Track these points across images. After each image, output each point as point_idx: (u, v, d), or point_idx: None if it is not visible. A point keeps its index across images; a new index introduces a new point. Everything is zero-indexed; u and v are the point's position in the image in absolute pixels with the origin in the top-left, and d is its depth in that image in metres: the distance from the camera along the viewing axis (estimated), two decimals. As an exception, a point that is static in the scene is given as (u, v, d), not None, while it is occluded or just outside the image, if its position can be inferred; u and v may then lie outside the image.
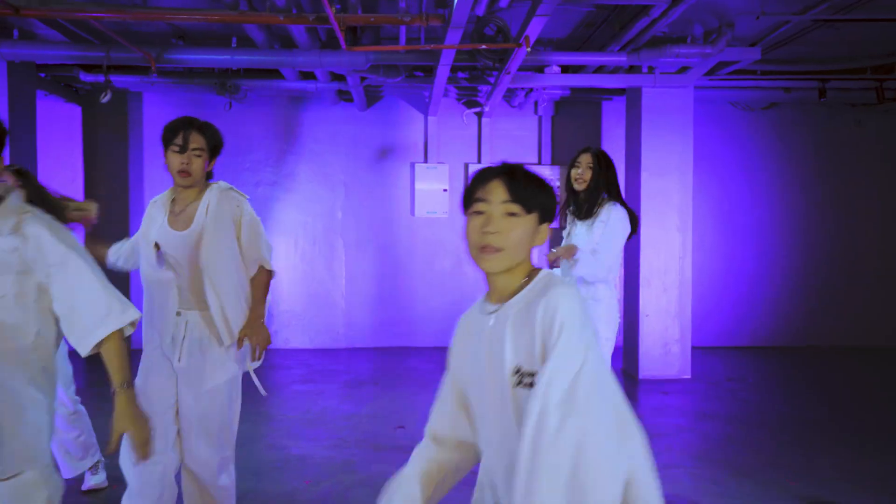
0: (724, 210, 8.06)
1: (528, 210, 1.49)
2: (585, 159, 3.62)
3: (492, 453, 1.51)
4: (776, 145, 8.02)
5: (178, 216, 2.71)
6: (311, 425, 4.71)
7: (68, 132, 7.48)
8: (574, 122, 7.94)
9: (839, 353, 7.58)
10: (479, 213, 1.49)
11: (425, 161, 7.78)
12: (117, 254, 3.00)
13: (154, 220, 2.75)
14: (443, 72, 5.66)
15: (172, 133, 2.67)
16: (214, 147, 2.74)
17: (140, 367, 2.71)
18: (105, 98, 5.85)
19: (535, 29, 4.44)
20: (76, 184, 7.55)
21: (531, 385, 1.36)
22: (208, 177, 2.79)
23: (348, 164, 7.78)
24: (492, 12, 4.78)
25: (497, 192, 1.48)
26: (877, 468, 3.99)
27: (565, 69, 6.59)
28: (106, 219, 7.84)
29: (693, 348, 7.64)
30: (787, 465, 4.06)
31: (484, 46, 4.90)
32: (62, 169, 7.46)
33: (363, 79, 6.65)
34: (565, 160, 7.90)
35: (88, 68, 6.55)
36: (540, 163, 7.89)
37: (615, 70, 6.49)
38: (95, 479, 3.61)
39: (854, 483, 3.76)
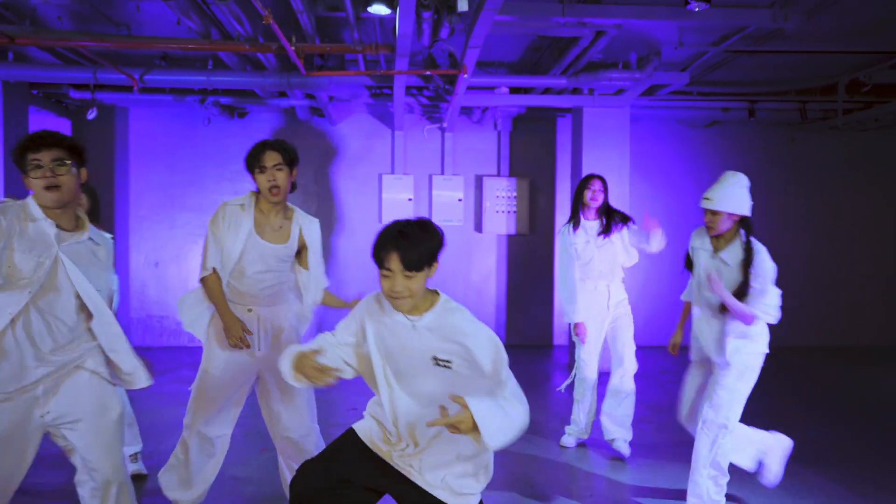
0: (677, 220, 8.66)
1: (420, 270, 2.11)
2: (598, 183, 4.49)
3: (413, 401, 2.22)
4: (720, 159, 8.65)
5: (269, 229, 3.09)
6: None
7: (59, 143, 8.03)
8: (531, 136, 8.56)
9: (778, 351, 8.16)
10: (386, 276, 2.12)
11: (392, 172, 8.37)
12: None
13: (240, 227, 3.03)
14: (399, 93, 6.26)
15: (254, 158, 3.04)
16: (291, 160, 3.06)
17: (217, 356, 3.08)
18: (91, 115, 6.42)
19: (471, 59, 5.04)
20: (65, 192, 8.09)
21: (447, 366, 2.15)
22: (293, 188, 3.14)
23: (321, 175, 8.36)
24: (436, 41, 5.38)
25: (395, 264, 2.09)
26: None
27: (517, 90, 7.21)
28: (94, 219, 8.34)
29: (646, 348, 8.23)
30: (683, 439, 4.63)
31: (428, 72, 5.49)
32: (52, 178, 8.00)
33: (331, 98, 7.24)
34: (523, 172, 8.51)
35: (77, 86, 7.12)
36: (499, 174, 8.49)
37: (561, 91, 7.10)
38: (135, 467, 3.81)
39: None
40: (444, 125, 7.70)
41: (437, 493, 2.21)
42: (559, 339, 8.53)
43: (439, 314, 2.19)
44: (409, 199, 8.30)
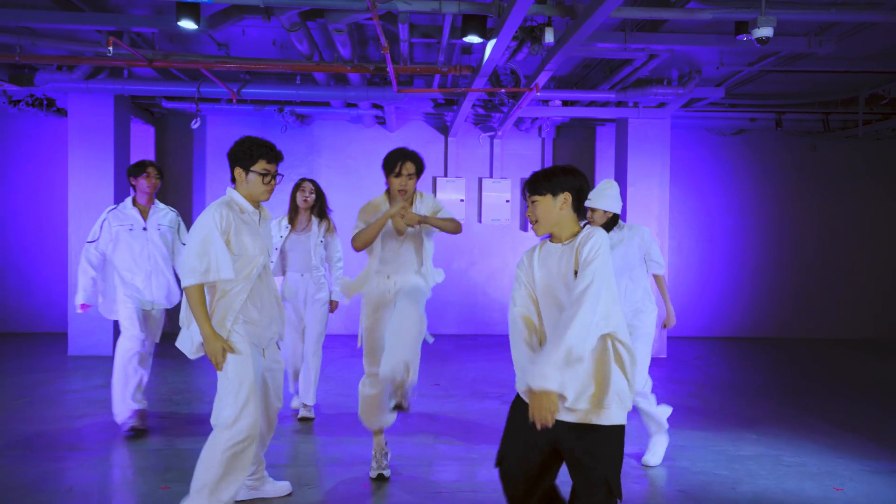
0: (705, 219, 9.42)
1: (542, 194, 2.45)
2: None
3: (552, 320, 2.44)
4: (746, 164, 9.39)
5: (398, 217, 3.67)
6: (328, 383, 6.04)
7: (143, 146, 8.80)
8: (572, 143, 9.30)
9: (797, 343, 8.92)
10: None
11: (445, 175, 9.12)
12: None
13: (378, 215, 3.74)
14: (467, 105, 7.01)
15: (392, 163, 3.61)
16: (419, 171, 3.66)
17: (367, 307, 3.76)
18: (195, 124, 7.18)
19: (543, 78, 5.79)
20: (149, 192, 8.88)
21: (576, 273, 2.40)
22: None
23: (379, 177, 9.09)
24: (507, 63, 6.13)
25: (526, 194, 2.54)
26: (789, 412, 5.30)
27: (566, 102, 7.95)
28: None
29: (676, 338, 8.99)
30: (728, 410, 5.37)
31: (503, 91, 6.24)
32: (138, 179, 8.78)
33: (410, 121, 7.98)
34: (565, 176, 9.24)
35: (169, 98, 7.88)
36: (543, 178, 9.22)
37: (606, 104, 7.84)
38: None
39: (796, 433, 5.07)
40: (500, 133, 8.44)
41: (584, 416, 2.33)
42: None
43: (580, 238, 2.54)
44: (462, 200, 9.05)
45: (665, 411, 4.14)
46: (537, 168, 9.27)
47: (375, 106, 8.15)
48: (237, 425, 2.93)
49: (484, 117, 8.69)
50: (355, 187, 9.05)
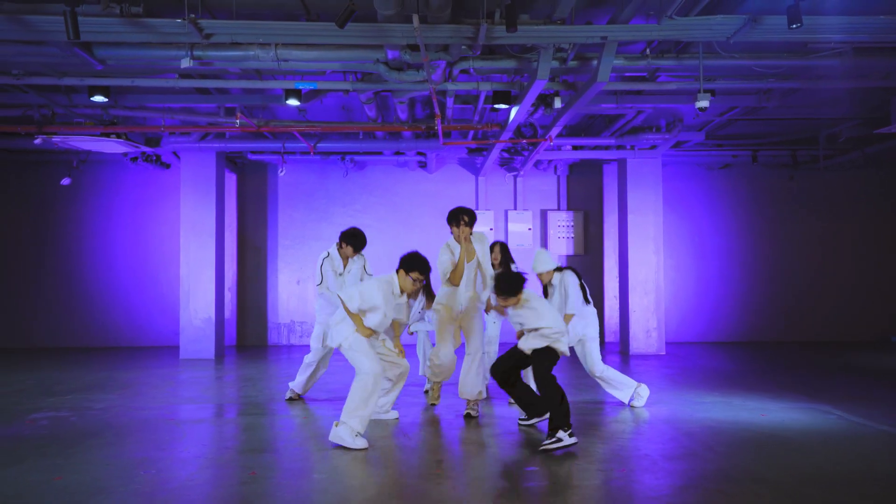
0: (696, 242, 11.03)
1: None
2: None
3: None
4: (732, 193, 11.02)
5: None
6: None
7: (229, 189, 10.70)
8: (583, 179, 11.03)
9: (781, 345, 10.40)
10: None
11: (477, 208, 10.87)
12: None
13: (454, 252, 5.61)
14: (496, 152, 8.79)
15: (454, 217, 5.45)
16: (473, 222, 5.44)
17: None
18: (282, 172, 9.05)
19: (554, 131, 7.56)
20: (232, 226, 10.75)
21: None
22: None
23: (422, 211, 10.89)
24: (528, 119, 7.91)
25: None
26: (749, 381, 6.83)
27: (575, 147, 9.70)
28: (251, 248, 10.93)
29: (677, 343, 10.52)
30: (702, 382, 6.92)
31: (524, 141, 8.02)
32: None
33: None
34: (578, 207, 10.97)
35: (254, 151, 9.78)
36: (559, 208, 10.95)
37: (608, 147, 9.58)
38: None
39: (749, 391, 6.60)
40: (522, 173, 10.22)
41: None
42: (609, 336, 10.85)
43: None
44: (491, 229, 10.77)
45: (626, 385, 5.73)
46: (554, 201, 11.05)
47: (419, 153, 9.97)
48: (372, 373, 4.57)
49: (508, 160, 10.47)
50: (402, 220, 10.84)
